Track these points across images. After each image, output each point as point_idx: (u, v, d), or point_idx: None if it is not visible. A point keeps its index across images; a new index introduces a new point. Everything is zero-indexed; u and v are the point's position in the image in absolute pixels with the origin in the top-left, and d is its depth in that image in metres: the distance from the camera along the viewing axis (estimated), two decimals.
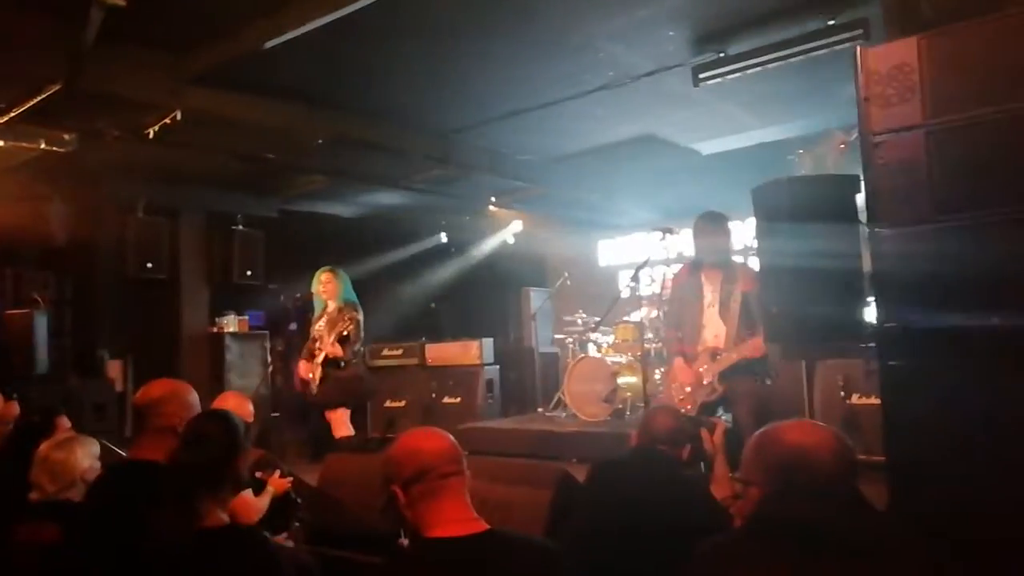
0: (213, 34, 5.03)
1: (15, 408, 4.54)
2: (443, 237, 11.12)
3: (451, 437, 2.07)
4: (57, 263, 8.20)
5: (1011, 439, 2.56)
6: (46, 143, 5.98)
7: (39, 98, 5.10)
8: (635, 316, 7.56)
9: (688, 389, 4.80)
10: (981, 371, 2.63)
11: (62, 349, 7.81)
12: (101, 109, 5.67)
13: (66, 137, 6.03)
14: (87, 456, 3.16)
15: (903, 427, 2.81)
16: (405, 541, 2.07)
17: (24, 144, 5.96)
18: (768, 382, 4.73)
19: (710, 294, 4.81)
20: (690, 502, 2.90)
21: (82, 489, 3.01)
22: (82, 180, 7.52)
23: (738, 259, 5.16)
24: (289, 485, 3.82)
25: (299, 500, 3.88)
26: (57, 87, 4.93)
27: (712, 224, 4.82)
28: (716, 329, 4.76)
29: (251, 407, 4.00)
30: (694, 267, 4.98)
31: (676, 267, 5.40)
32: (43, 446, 3.17)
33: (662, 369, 6.84)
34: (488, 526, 1.96)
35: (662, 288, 5.89)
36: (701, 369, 4.73)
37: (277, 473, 3.81)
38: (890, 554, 1.68)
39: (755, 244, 3.65)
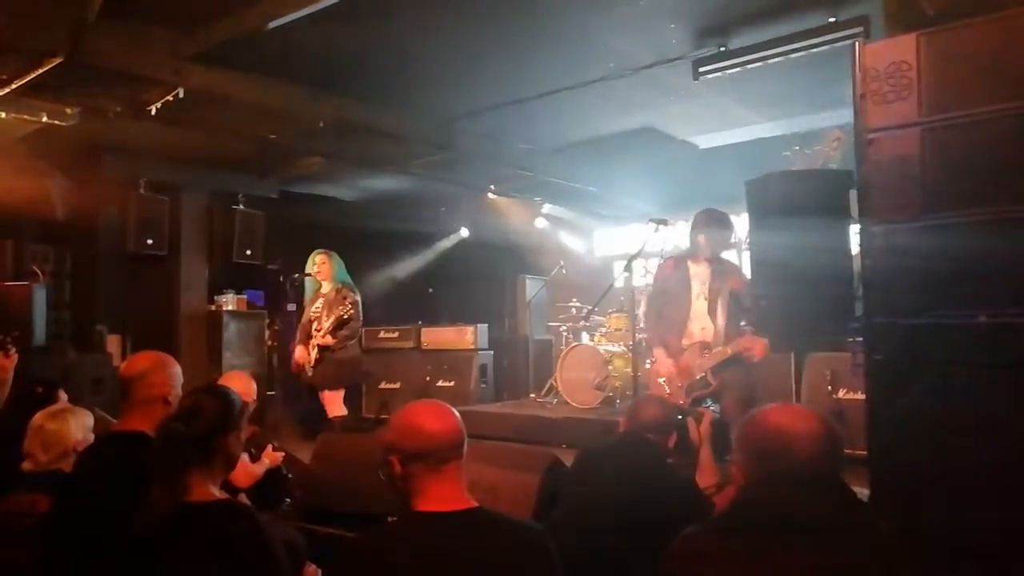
0: (217, 12, 5.01)
1: (13, 359, 4.54)
2: (442, 223, 11.13)
3: (457, 417, 2.08)
4: (57, 237, 8.17)
5: (995, 436, 2.57)
6: (48, 116, 5.97)
7: (41, 71, 5.07)
8: (628, 306, 7.59)
9: (663, 381, 4.84)
10: (967, 368, 2.63)
11: (61, 323, 7.82)
12: (103, 84, 5.65)
13: (68, 111, 6.02)
14: (80, 427, 3.18)
15: (887, 421, 2.82)
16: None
17: (25, 117, 5.94)
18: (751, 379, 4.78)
19: (698, 287, 4.83)
20: (674, 490, 2.93)
21: (74, 460, 3.01)
22: (83, 155, 7.50)
23: (730, 257, 5.17)
24: (282, 459, 3.87)
25: (290, 476, 3.94)
26: (59, 60, 4.92)
27: (719, 223, 4.83)
28: (703, 323, 4.78)
29: (254, 387, 4.08)
30: (680, 260, 5.00)
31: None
32: (37, 416, 3.18)
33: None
34: (476, 503, 2.01)
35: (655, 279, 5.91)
36: (696, 363, 4.77)
37: (270, 447, 3.87)
38: (868, 544, 1.68)
39: (748, 237, 3.67)
